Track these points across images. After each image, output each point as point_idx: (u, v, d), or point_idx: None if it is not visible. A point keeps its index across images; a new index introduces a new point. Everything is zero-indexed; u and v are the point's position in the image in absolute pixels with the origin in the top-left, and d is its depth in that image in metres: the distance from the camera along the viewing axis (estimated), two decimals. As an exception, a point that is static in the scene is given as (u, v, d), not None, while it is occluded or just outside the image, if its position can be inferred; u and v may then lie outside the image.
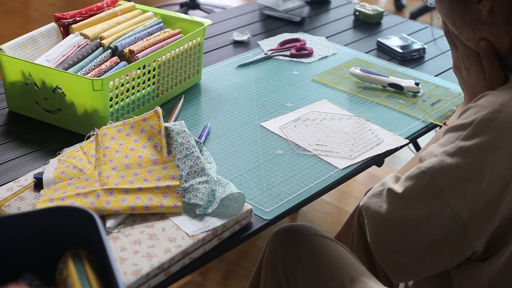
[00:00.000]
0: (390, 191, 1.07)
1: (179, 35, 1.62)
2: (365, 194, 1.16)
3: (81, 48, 1.49)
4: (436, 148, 1.03)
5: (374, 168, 1.46)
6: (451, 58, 1.20)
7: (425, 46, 1.89)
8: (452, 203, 0.99)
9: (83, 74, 1.42)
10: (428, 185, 1.01)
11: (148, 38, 1.58)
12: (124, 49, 1.51)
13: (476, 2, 1.00)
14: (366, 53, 1.90)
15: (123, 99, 1.43)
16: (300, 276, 1.31)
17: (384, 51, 1.91)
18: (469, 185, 0.97)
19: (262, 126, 1.49)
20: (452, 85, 1.71)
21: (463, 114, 1.02)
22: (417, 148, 2.52)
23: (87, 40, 1.52)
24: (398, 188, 1.06)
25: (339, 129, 1.47)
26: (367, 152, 1.39)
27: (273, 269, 1.37)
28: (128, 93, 1.44)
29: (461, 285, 1.07)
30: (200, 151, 1.28)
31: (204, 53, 1.75)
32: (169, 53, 1.54)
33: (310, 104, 1.59)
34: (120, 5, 1.67)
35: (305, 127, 1.48)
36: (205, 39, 1.69)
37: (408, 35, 1.97)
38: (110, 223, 1.11)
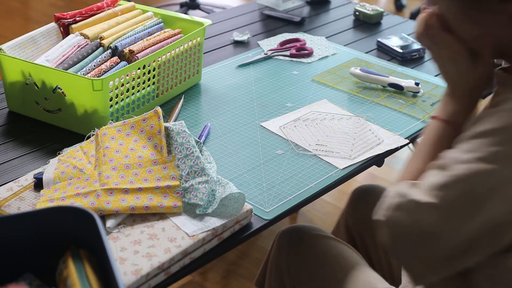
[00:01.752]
0: (420, 203, 0.99)
1: (179, 35, 1.62)
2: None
3: (81, 48, 1.49)
4: (462, 155, 0.98)
5: (374, 168, 1.46)
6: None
7: (425, 46, 1.89)
8: (494, 209, 0.95)
9: (83, 74, 1.42)
10: (468, 194, 0.96)
11: (148, 38, 1.58)
12: (124, 49, 1.51)
13: (498, 1, 0.98)
14: (366, 53, 1.90)
15: (123, 99, 1.43)
16: (303, 276, 1.32)
17: (384, 51, 1.91)
18: (509, 189, 0.94)
19: (262, 126, 1.49)
20: (452, 85, 1.71)
21: (485, 118, 0.98)
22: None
23: (87, 40, 1.52)
24: (429, 198, 0.98)
25: (339, 129, 1.47)
26: (367, 152, 1.39)
27: (277, 268, 1.37)
28: (128, 93, 1.44)
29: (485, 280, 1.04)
30: (200, 151, 1.28)
31: (204, 53, 1.75)
32: (169, 53, 1.54)
33: (310, 104, 1.59)
34: (120, 5, 1.67)
35: (305, 127, 1.48)
36: (205, 39, 1.69)
37: (408, 35, 1.97)
38: (110, 223, 1.11)
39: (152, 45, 1.55)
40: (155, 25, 1.63)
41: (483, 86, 1.11)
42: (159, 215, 1.15)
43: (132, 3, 1.70)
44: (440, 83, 1.72)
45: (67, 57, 1.47)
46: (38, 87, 1.42)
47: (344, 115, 1.53)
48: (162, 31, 1.63)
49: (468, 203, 0.96)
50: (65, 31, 1.56)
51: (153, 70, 1.50)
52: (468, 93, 1.11)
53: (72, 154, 1.25)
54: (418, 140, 1.14)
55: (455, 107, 1.12)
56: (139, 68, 1.46)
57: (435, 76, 1.78)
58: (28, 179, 1.22)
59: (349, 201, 1.61)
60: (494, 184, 0.95)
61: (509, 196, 0.95)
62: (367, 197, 1.55)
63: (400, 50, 1.86)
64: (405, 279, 1.25)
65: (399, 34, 1.95)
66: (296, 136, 1.45)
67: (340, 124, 1.49)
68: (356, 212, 1.56)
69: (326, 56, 1.86)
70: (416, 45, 1.88)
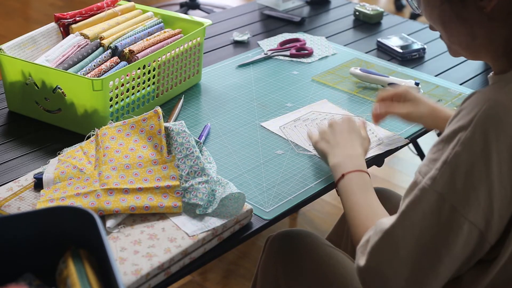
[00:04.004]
0: (384, 223, 1.03)
1: (179, 35, 1.62)
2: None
3: (81, 48, 1.49)
4: (428, 163, 0.98)
5: (374, 168, 1.46)
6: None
7: (425, 46, 1.89)
8: (467, 215, 0.94)
9: (83, 74, 1.42)
10: (437, 202, 0.96)
11: (148, 38, 1.58)
12: (124, 49, 1.51)
13: None
14: (366, 53, 1.90)
15: (123, 99, 1.43)
16: (301, 286, 1.30)
17: (384, 51, 1.91)
18: (480, 191, 0.94)
19: (262, 126, 1.49)
20: (452, 85, 1.71)
21: (452, 120, 0.99)
22: (417, 148, 2.52)
23: (87, 40, 1.52)
24: (394, 216, 1.01)
25: None
26: (367, 152, 1.39)
27: (273, 278, 1.35)
28: (128, 93, 1.44)
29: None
30: (200, 151, 1.28)
31: (204, 53, 1.75)
32: (169, 53, 1.54)
33: (310, 104, 1.59)
34: (120, 5, 1.67)
35: (305, 127, 1.48)
36: (205, 39, 1.69)
37: (408, 35, 1.97)
38: (110, 223, 1.11)
39: (152, 45, 1.55)
40: (155, 25, 1.63)
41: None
42: (159, 215, 1.15)
43: (132, 3, 1.70)
44: (440, 83, 1.72)
45: (67, 57, 1.47)
46: (38, 87, 1.42)
47: (344, 115, 1.53)
48: (162, 31, 1.63)
49: (438, 215, 0.97)
50: (65, 31, 1.56)
51: (153, 70, 1.50)
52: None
53: (72, 154, 1.25)
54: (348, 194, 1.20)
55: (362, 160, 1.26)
56: (139, 68, 1.46)
57: (435, 76, 1.78)
58: (28, 179, 1.22)
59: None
60: (464, 187, 0.95)
61: (483, 198, 0.95)
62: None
63: (400, 50, 1.86)
64: None
65: (399, 34, 1.95)
66: (296, 136, 1.45)
67: None
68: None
69: (326, 56, 1.86)
70: (416, 45, 1.88)
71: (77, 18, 1.57)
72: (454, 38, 1.05)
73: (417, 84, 1.64)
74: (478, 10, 0.99)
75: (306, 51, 1.85)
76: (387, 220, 1.03)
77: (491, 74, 1.07)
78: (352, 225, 1.15)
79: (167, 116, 1.50)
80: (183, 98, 1.59)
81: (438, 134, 2.32)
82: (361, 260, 1.04)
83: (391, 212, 1.51)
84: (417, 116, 1.39)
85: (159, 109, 1.27)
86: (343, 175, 1.21)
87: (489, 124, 0.94)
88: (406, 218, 0.99)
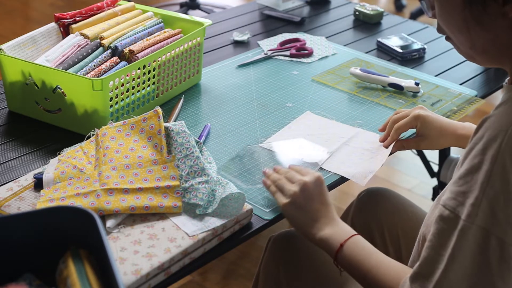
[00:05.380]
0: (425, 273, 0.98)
1: (179, 35, 1.62)
2: None
3: (81, 48, 1.49)
4: (456, 196, 0.95)
5: (374, 168, 1.46)
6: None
7: (425, 46, 1.89)
8: (508, 240, 0.93)
9: (83, 74, 1.42)
10: (483, 238, 0.93)
11: (148, 38, 1.58)
12: (124, 49, 1.51)
13: (502, 4, 0.95)
14: (366, 53, 1.90)
15: (123, 99, 1.43)
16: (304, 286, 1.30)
17: (384, 51, 1.91)
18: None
19: (261, 147, 1.41)
20: (452, 85, 1.71)
21: (474, 146, 0.96)
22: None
23: (87, 40, 1.52)
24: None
25: (341, 146, 1.42)
26: (372, 161, 1.37)
27: (275, 278, 1.35)
28: (128, 93, 1.44)
29: None
30: (200, 151, 1.28)
31: (204, 53, 1.75)
32: (169, 53, 1.54)
33: (296, 119, 1.52)
34: (120, 5, 1.67)
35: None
36: (205, 39, 1.69)
37: (408, 35, 1.97)
38: (110, 223, 1.11)
39: (152, 45, 1.55)
40: (155, 25, 1.63)
41: None
42: (159, 215, 1.15)
43: (132, 3, 1.70)
44: (440, 83, 1.72)
45: (67, 57, 1.47)
46: (38, 87, 1.42)
47: (335, 129, 1.47)
48: (162, 31, 1.63)
49: (490, 253, 0.94)
50: (65, 31, 1.56)
51: (153, 70, 1.50)
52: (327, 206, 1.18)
53: (72, 154, 1.25)
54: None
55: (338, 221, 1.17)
56: (139, 68, 1.46)
57: (435, 76, 1.78)
58: (28, 179, 1.22)
59: (356, 202, 1.56)
60: (505, 216, 0.93)
61: None
62: (377, 199, 1.53)
63: (400, 50, 1.86)
64: None
65: (399, 34, 1.95)
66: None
67: (337, 141, 1.44)
68: (364, 215, 1.52)
69: (326, 56, 1.86)
70: (416, 45, 1.88)
71: (77, 18, 1.57)
72: (472, 43, 1.02)
73: (417, 84, 1.64)
74: (501, 16, 0.96)
75: (306, 51, 1.85)
76: (427, 270, 0.98)
77: (506, 82, 1.04)
78: None
79: (167, 116, 1.50)
80: (183, 98, 1.59)
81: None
82: None
83: (390, 209, 1.49)
84: (425, 146, 1.42)
85: (159, 109, 1.27)
86: (341, 246, 1.13)
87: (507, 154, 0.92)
88: (455, 261, 0.95)
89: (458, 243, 0.94)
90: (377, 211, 1.51)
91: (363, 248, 1.13)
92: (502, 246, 0.92)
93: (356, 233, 1.15)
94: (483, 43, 1.00)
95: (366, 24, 2.11)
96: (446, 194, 0.99)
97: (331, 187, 1.32)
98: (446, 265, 0.95)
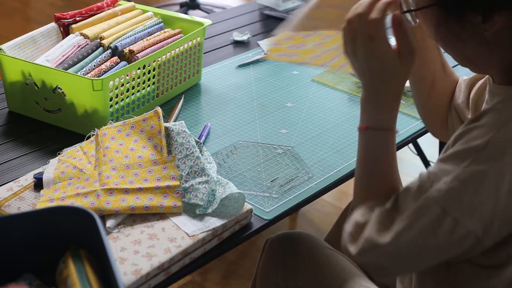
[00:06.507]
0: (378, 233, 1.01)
1: (179, 35, 1.62)
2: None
3: (81, 48, 1.49)
4: (438, 171, 0.98)
5: (374, 168, 1.46)
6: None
7: (425, 46, 1.89)
8: (468, 225, 0.95)
9: (83, 74, 1.42)
10: (439, 216, 0.96)
11: (148, 38, 1.58)
12: (124, 49, 1.51)
13: (481, 22, 0.96)
14: (366, 53, 1.90)
15: (123, 99, 1.43)
16: None
17: (384, 51, 1.90)
18: (486, 207, 0.94)
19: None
20: (452, 85, 1.71)
21: (465, 135, 0.98)
22: (417, 148, 2.52)
23: (87, 40, 1.52)
24: (396, 225, 1.00)
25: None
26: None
27: (272, 280, 1.35)
28: (128, 93, 1.44)
29: None
30: (200, 151, 1.28)
31: (204, 53, 1.75)
32: (169, 53, 1.54)
33: None
34: (120, 5, 1.67)
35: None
36: (205, 39, 1.69)
37: (408, 35, 1.96)
38: (110, 223, 1.11)
39: (152, 45, 1.55)
40: (155, 25, 1.63)
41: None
42: (159, 215, 1.15)
43: (132, 3, 1.70)
44: (440, 83, 1.72)
45: (67, 57, 1.47)
46: (38, 87, 1.42)
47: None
48: (162, 31, 1.63)
49: (440, 227, 0.97)
50: (65, 31, 1.56)
51: (153, 70, 1.50)
52: (400, 95, 1.07)
53: (72, 154, 1.25)
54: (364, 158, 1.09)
55: (392, 112, 1.07)
56: (139, 68, 1.46)
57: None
58: (28, 179, 1.22)
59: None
60: (470, 204, 0.95)
61: (487, 213, 0.95)
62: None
63: (400, 50, 1.85)
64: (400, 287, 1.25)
65: (399, 34, 1.95)
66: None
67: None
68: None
69: (326, 56, 1.86)
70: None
71: (77, 18, 1.57)
72: (455, 55, 1.04)
73: (417, 84, 1.64)
74: (480, 32, 0.97)
75: (306, 51, 1.85)
76: (384, 215, 1.02)
77: (491, 83, 1.05)
78: (357, 189, 1.11)
79: (167, 116, 1.50)
80: (183, 98, 1.59)
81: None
82: (352, 248, 1.04)
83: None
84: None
85: (159, 109, 1.27)
86: (366, 127, 1.07)
87: (507, 146, 0.93)
88: (406, 228, 0.99)
89: (417, 211, 0.98)
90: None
91: (378, 147, 1.09)
92: (454, 225, 0.95)
93: (390, 128, 1.08)
94: (466, 55, 1.02)
95: (366, 24, 2.10)
96: (433, 166, 1.01)
97: (331, 187, 1.32)
98: (403, 227, 0.99)
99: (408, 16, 1.05)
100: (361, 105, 1.08)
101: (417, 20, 1.06)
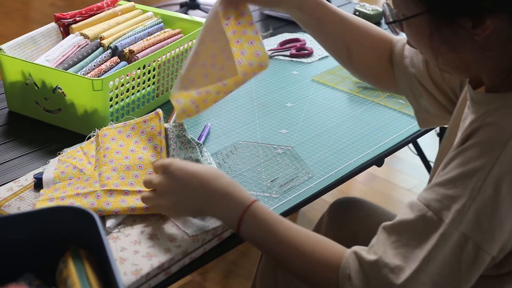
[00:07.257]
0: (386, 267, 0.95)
1: (179, 35, 1.62)
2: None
3: (81, 48, 1.49)
4: (442, 199, 0.95)
5: (374, 168, 1.46)
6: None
7: (425, 46, 1.89)
8: (490, 250, 0.93)
9: (83, 74, 1.42)
10: (460, 243, 0.93)
11: (148, 38, 1.58)
12: (124, 49, 1.51)
13: (471, 27, 0.94)
14: (366, 53, 1.90)
15: (123, 99, 1.43)
16: None
17: (384, 51, 1.90)
18: (505, 225, 0.93)
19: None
20: (452, 85, 1.71)
21: (459, 156, 0.95)
22: (417, 148, 2.52)
23: (87, 40, 1.52)
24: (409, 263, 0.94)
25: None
26: None
27: (271, 280, 1.34)
28: (128, 93, 1.44)
29: None
30: (200, 152, 1.28)
31: (204, 53, 1.75)
32: (169, 53, 1.54)
33: None
34: (120, 5, 1.67)
35: None
36: (205, 39, 1.68)
37: (408, 35, 1.96)
38: (110, 223, 1.11)
39: (152, 45, 1.55)
40: (155, 25, 1.63)
41: None
42: (159, 215, 1.15)
43: (132, 3, 1.70)
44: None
45: (67, 57, 1.47)
46: (38, 87, 1.42)
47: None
48: (162, 31, 1.63)
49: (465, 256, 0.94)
50: (65, 31, 1.56)
51: (153, 70, 1.50)
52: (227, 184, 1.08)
53: (72, 155, 1.26)
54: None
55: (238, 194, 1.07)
56: (139, 68, 1.46)
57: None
58: (28, 179, 1.22)
59: (327, 215, 1.51)
60: (487, 225, 0.93)
61: (498, 232, 0.93)
62: (348, 210, 1.48)
63: (400, 50, 1.86)
64: None
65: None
66: None
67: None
68: (338, 226, 1.47)
69: (326, 56, 1.86)
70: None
71: (77, 18, 1.57)
72: (443, 62, 1.02)
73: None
74: (471, 38, 0.96)
75: (306, 51, 1.86)
76: (391, 263, 0.96)
77: (479, 90, 1.03)
78: (297, 265, 1.05)
79: (167, 117, 1.50)
80: (183, 98, 1.58)
81: (438, 134, 2.32)
82: None
83: (363, 218, 1.43)
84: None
85: (160, 111, 1.27)
86: (242, 214, 1.04)
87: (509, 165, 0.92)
88: (429, 264, 0.95)
89: (437, 247, 0.94)
90: (349, 222, 1.46)
91: (271, 214, 1.04)
92: (477, 251, 0.93)
93: (255, 199, 1.06)
94: (458, 63, 1.00)
95: (366, 24, 2.10)
96: (429, 193, 0.97)
97: (331, 187, 1.32)
98: (419, 265, 0.94)
99: (392, 28, 1.05)
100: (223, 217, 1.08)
101: (398, 31, 1.04)
